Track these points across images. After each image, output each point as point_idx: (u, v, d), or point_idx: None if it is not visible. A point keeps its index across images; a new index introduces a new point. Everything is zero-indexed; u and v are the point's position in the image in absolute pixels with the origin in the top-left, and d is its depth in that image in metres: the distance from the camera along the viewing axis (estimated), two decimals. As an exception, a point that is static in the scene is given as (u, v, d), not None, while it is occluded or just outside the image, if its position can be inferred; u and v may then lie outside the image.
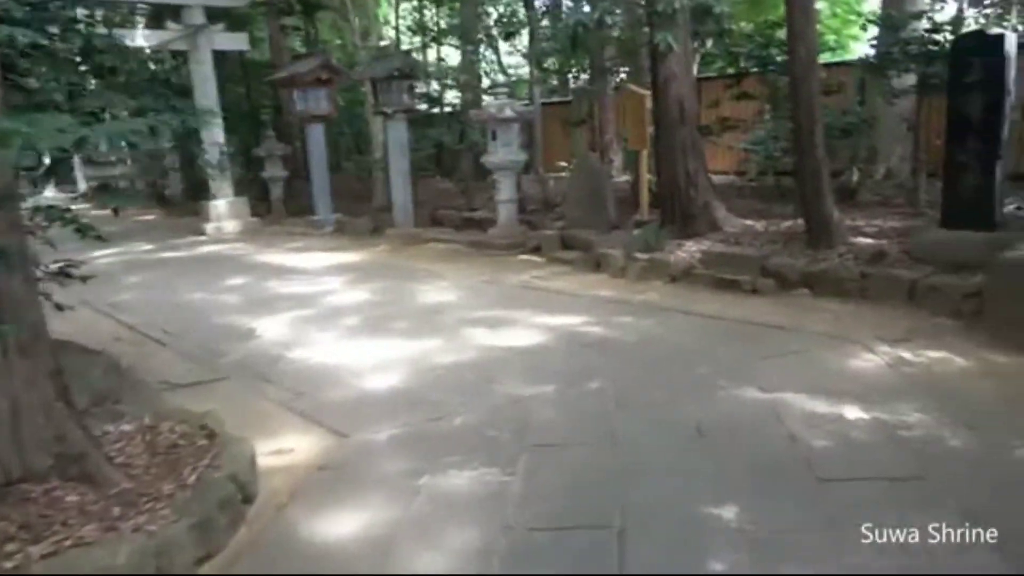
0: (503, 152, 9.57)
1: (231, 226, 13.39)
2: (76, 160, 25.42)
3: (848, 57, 12.87)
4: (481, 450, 3.72)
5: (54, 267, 5.59)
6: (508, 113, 9.40)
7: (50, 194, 26.84)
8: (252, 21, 15.86)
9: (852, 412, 3.86)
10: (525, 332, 5.81)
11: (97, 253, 11.89)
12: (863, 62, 9.18)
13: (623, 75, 11.67)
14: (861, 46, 13.15)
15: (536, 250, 9.25)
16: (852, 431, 3.64)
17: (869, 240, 6.83)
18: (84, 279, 5.79)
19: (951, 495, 3.02)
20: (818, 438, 3.58)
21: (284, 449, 3.95)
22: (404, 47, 18.12)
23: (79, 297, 8.44)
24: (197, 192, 16.54)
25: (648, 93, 8.22)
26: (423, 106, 15.75)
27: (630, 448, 3.63)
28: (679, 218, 7.82)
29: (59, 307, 5.59)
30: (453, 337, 5.78)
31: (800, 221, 7.22)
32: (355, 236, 11.98)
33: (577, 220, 9.19)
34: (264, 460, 3.80)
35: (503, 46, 10.85)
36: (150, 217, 18.17)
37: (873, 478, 3.18)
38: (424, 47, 17.89)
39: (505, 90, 9.50)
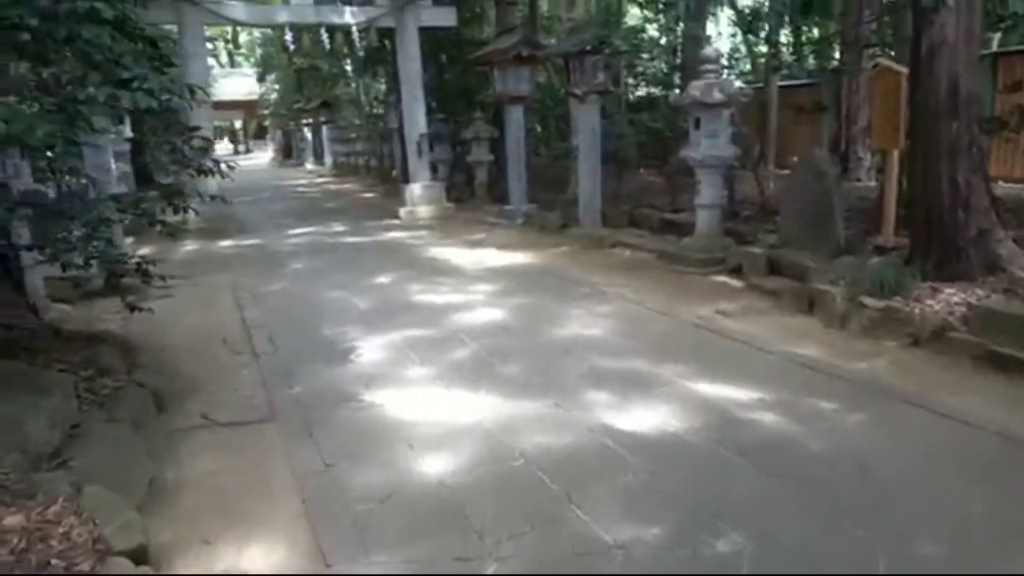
0: (707, 145, 7.69)
1: (424, 211, 12.85)
2: (325, 138, 27.27)
3: None
4: (483, 661, 2.23)
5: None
6: (716, 97, 7.49)
7: (309, 166, 29.18)
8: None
9: None
10: (666, 406, 4.10)
11: (293, 232, 12.00)
12: None
13: (883, 49, 9.04)
14: None
15: (736, 271, 7.30)
16: None
17: None
18: (163, 277, 5.11)
19: None
20: None
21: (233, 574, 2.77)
22: (634, 23, 16.48)
23: (235, 282, 8.22)
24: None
25: (906, 71, 5.88)
26: (648, 88, 14.07)
27: None
28: (937, 250, 5.47)
29: (132, 309, 5.02)
30: (566, 400, 4.25)
31: None
32: (542, 230, 10.76)
33: (792, 237, 7.07)
34: (199, 591, 2.66)
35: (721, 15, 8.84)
36: (371, 195, 18.57)
37: None
38: (658, 20, 16.06)
39: (713, 67, 7.56)
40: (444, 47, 15.78)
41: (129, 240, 10.24)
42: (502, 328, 5.89)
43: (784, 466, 3.38)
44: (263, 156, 41.91)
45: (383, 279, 7.92)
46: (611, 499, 3.14)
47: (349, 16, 12.20)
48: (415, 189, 12.96)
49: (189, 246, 10.87)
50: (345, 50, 20.11)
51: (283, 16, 11.91)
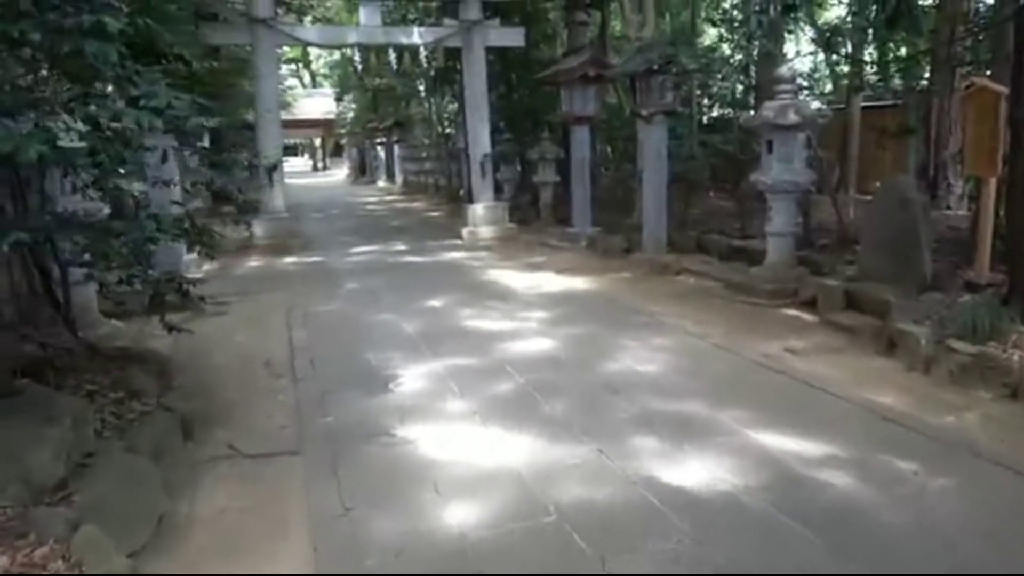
0: (779, 169, 7.22)
1: (486, 232, 12.66)
2: (396, 156, 27.61)
3: None
4: None
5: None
6: (790, 118, 7.01)
7: (382, 184, 29.60)
8: (539, 17, 15.01)
9: None
10: (721, 459, 3.70)
11: (355, 250, 11.99)
12: None
13: (979, 67, 8.35)
14: None
15: (809, 304, 6.78)
16: None
17: None
18: (203, 298, 5.02)
19: None
20: None
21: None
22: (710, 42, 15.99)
23: (291, 301, 8.17)
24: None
25: (1006, 91, 5.32)
26: (722, 109, 13.57)
27: None
28: (1040, 291, 4.89)
29: (170, 329, 4.93)
30: (610, 446, 3.90)
31: None
32: (605, 255, 10.41)
33: (873, 270, 6.51)
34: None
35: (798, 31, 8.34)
36: (437, 214, 18.54)
37: None
38: (732, 39, 15.54)
39: (788, 87, 7.10)
40: (514, 67, 15.70)
41: (191, 255, 10.43)
42: (551, 360, 5.57)
43: (854, 539, 2.95)
44: (339, 173, 42.86)
45: (435, 302, 7.72)
46: (650, 569, 2.79)
47: (417, 36, 12.22)
48: (478, 209, 12.80)
49: (254, 262, 10.98)
50: (417, 70, 20.30)
51: (353, 37, 12.02)
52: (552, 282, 8.78)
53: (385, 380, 5.20)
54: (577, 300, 7.74)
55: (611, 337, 6.12)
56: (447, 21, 12.35)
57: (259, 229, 11.82)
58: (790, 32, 10.47)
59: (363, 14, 11.90)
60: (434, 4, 14.63)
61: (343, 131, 39.70)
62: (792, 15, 6.96)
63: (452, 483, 3.55)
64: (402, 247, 12.20)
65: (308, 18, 17.58)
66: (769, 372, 5.15)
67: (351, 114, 35.74)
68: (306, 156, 55.42)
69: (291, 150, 55.12)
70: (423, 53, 14.09)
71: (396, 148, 27.67)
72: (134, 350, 5.18)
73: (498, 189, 16.29)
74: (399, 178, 27.67)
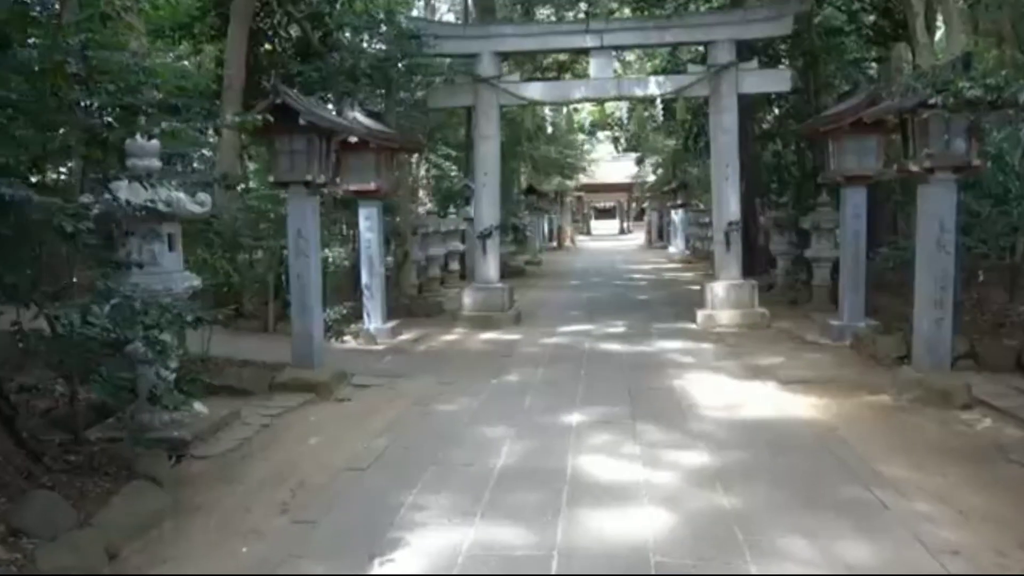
0: None
1: (725, 316, 10.32)
2: (679, 221, 25.77)
3: None
4: None
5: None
6: None
7: (672, 249, 27.91)
8: (828, 55, 12.30)
9: None
10: None
11: (565, 328, 10.50)
12: None
13: None
14: None
15: None
16: None
17: None
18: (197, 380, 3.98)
19: None
20: None
21: None
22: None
23: (424, 392, 6.91)
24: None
25: None
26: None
27: None
28: None
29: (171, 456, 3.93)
30: None
31: None
32: (870, 361, 7.61)
33: None
34: None
35: None
36: (698, 288, 16.30)
37: None
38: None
39: None
40: (795, 118, 13.15)
41: (393, 323, 9.85)
42: (636, 563, 3.42)
43: None
44: (640, 237, 41.99)
45: (578, 417, 5.86)
46: None
47: (655, 87, 10.52)
48: (717, 289, 10.52)
49: (451, 335, 10.11)
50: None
51: (579, 92, 10.80)
52: (766, 400, 6.36)
53: (382, 549, 3.60)
54: (778, 438, 5.28)
55: (776, 526, 3.75)
56: (691, 68, 10.48)
57: (467, 299, 10.97)
58: None
59: (593, 66, 10.61)
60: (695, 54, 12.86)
61: (644, 195, 38.90)
62: None
63: None
64: (619, 329, 10.40)
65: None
66: None
67: (651, 177, 34.75)
68: (618, 219, 55.91)
69: (607, 213, 56.22)
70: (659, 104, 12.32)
71: (680, 212, 25.85)
72: (124, 456, 4.28)
73: (771, 263, 13.78)
74: (682, 244, 25.73)
